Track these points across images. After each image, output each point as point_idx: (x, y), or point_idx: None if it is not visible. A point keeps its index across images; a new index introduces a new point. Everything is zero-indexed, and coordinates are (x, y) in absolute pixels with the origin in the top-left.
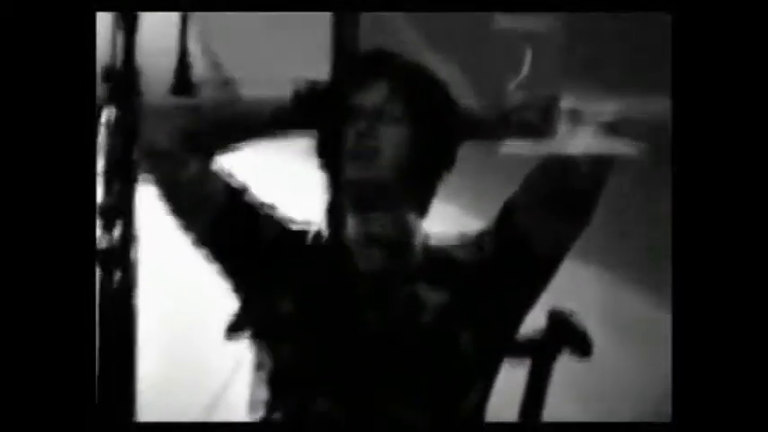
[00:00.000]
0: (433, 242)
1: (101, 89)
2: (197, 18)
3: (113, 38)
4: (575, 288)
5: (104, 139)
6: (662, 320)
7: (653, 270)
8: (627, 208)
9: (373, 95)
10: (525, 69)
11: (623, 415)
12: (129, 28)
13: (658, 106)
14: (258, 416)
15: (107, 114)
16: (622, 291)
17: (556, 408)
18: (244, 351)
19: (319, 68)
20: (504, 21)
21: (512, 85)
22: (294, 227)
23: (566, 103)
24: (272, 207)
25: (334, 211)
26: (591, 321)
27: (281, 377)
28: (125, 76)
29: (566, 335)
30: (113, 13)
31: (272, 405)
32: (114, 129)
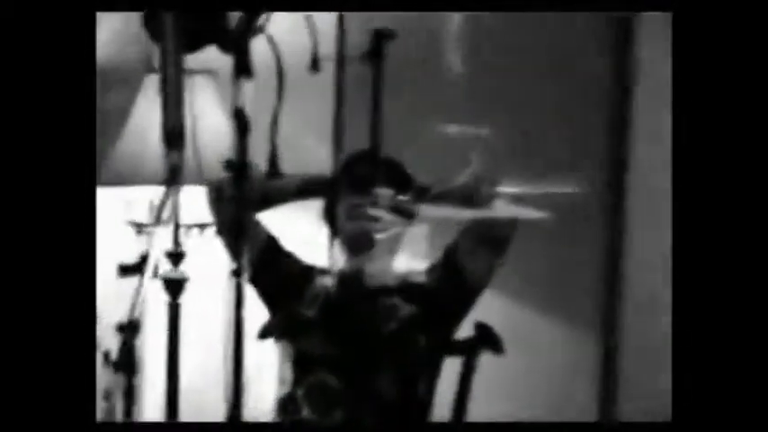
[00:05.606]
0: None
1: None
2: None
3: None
4: (488, 308)
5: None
6: (543, 329)
7: (544, 298)
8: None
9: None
10: (474, 163)
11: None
12: (242, 129)
13: (564, 187)
14: (285, 390)
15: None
16: (518, 312)
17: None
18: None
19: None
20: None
21: (466, 173)
22: (305, 264)
23: (502, 186)
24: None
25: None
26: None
27: (301, 361)
28: (241, 167)
29: (486, 339)
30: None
31: (294, 381)
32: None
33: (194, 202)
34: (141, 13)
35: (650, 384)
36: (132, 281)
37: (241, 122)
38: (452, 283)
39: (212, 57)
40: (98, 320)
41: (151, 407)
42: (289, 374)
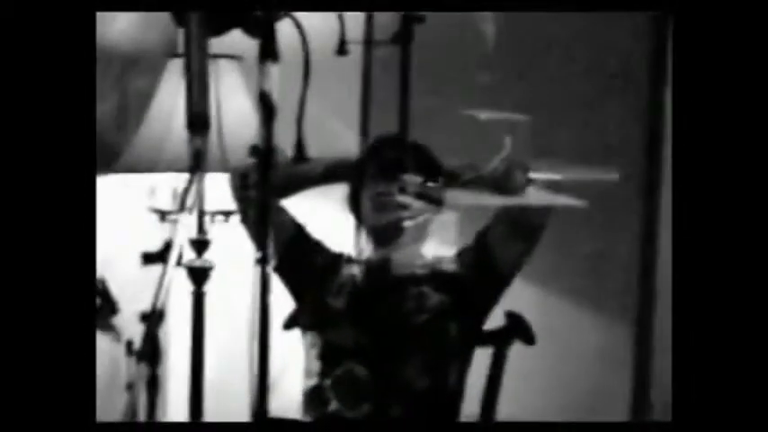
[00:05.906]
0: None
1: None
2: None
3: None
4: (518, 298)
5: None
6: (574, 319)
7: (576, 287)
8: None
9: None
10: (507, 149)
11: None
12: (268, 113)
13: (598, 174)
14: (312, 382)
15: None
16: (549, 302)
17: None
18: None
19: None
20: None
21: (497, 159)
22: (332, 252)
23: (533, 172)
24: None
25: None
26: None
27: (328, 352)
28: (266, 153)
29: (517, 329)
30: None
31: (321, 373)
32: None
33: (219, 188)
34: None
35: None
36: (156, 269)
37: (267, 107)
38: (482, 270)
39: (237, 40)
40: (121, 310)
41: (175, 397)
42: (316, 366)
